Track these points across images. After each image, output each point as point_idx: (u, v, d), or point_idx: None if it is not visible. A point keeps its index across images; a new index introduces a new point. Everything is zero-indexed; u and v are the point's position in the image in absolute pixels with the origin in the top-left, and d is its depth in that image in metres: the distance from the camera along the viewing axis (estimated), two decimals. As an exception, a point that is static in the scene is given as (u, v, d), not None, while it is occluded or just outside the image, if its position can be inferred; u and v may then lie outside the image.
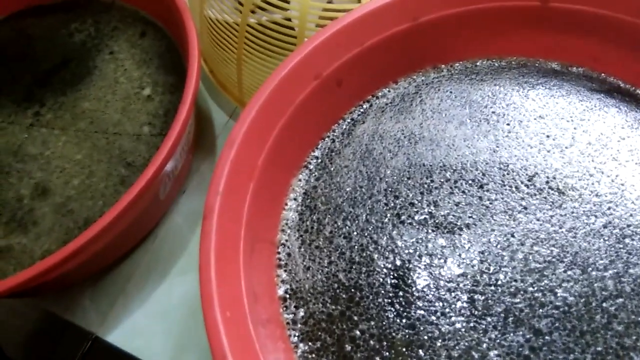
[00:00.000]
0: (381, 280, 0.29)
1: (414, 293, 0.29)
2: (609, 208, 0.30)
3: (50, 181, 0.40)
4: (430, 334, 0.27)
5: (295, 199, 0.33)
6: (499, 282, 0.28)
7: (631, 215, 0.30)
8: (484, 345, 0.27)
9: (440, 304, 0.28)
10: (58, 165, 0.40)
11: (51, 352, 0.41)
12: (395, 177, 0.33)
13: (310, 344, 0.28)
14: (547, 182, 0.31)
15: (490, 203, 0.31)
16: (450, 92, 0.37)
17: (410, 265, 0.29)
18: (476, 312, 0.28)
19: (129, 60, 0.46)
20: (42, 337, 0.42)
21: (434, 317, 0.28)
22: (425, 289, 0.29)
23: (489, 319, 0.27)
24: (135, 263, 0.41)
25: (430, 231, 0.31)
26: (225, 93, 0.48)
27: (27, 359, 0.40)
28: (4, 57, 0.48)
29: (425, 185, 0.32)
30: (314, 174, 0.34)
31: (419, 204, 0.32)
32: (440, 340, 0.27)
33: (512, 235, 0.30)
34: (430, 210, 0.31)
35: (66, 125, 0.43)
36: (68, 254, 0.31)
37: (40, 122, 0.43)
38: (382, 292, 0.29)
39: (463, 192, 0.32)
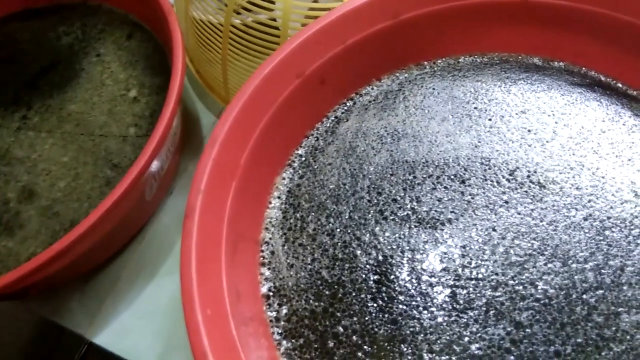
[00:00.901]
0: (364, 276, 0.29)
1: (396, 288, 0.29)
2: (589, 201, 0.30)
3: (36, 184, 0.40)
4: (412, 329, 0.27)
5: (279, 197, 0.34)
6: (480, 276, 0.28)
7: (611, 207, 0.30)
8: (466, 339, 0.27)
9: (422, 298, 0.28)
10: (44, 168, 0.40)
11: (47, 357, 0.41)
12: (378, 174, 0.33)
13: (293, 340, 0.28)
14: (528, 176, 0.32)
15: (472, 198, 0.31)
16: (433, 89, 0.37)
17: (393, 261, 0.30)
18: (458, 306, 0.28)
19: (115, 63, 0.46)
20: (38, 341, 0.42)
21: (415, 312, 0.28)
22: (407, 284, 0.29)
23: (470, 312, 0.27)
24: (123, 264, 0.41)
25: (412, 227, 0.31)
26: (212, 93, 0.48)
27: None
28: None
29: (408, 182, 0.33)
30: (297, 172, 0.34)
31: (402, 200, 0.32)
32: (422, 335, 0.27)
33: (494, 230, 0.30)
34: (412, 206, 0.31)
35: (53, 128, 0.43)
36: (53, 255, 0.31)
37: (28, 126, 0.43)
38: (365, 288, 0.29)
39: (445, 187, 0.32)
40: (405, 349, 0.27)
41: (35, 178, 0.40)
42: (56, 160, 0.41)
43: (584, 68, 0.37)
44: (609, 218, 0.30)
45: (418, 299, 0.28)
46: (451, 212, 0.31)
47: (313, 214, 0.32)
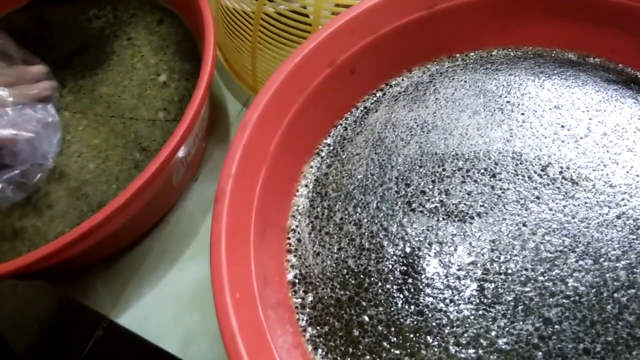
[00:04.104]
0: (390, 266, 0.29)
1: (423, 280, 0.28)
2: (622, 199, 0.30)
3: (67, 165, 0.40)
4: (438, 321, 0.27)
5: (306, 186, 0.34)
6: (510, 271, 0.28)
7: (646, 206, 0.30)
8: (493, 333, 0.27)
9: (450, 291, 0.28)
10: (76, 149, 0.41)
11: (66, 337, 0.41)
12: (407, 165, 0.33)
13: (318, 328, 0.28)
14: (561, 172, 0.31)
15: (503, 192, 0.31)
16: (465, 82, 0.36)
17: (420, 253, 0.29)
18: (485, 300, 0.27)
19: (146, 47, 0.47)
20: (59, 318, 0.42)
21: (442, 305, 0.28)
22: (434, 277, 0.29)
23: (498, 307, 0.27)
24: (147, 248, 0.42)
25: (440, 219, 0.30)
26: (240, 82, 0.49)
27: (42, 343, 0.41)
28: (23, 43, 0.49)
29: (437, 174, 0.32)
30: (325, 161, 0.34)
31: (430, 192, 0.32)
32: (448, 327, 0.27)
33: (524, 225, 0.30)
34: (441, 199, 0.31)
35: (85, 109, 0.43)
36: (79, 235, 0.31)
37: (61, 104, 0.44)
38: (391, 278, 0.29)
39: (475, 181, 0.32)
40: (431, 341, 0.27)
41: (67, 160, 0.40)
42: (88, 143, 0.41)
43: (620, 65, 0.36)
44: (643, 217, 0.29)
45: (445, 291, 0.28)
46: (481, 205, 0.31)
47: (340, 203, 0.32)
